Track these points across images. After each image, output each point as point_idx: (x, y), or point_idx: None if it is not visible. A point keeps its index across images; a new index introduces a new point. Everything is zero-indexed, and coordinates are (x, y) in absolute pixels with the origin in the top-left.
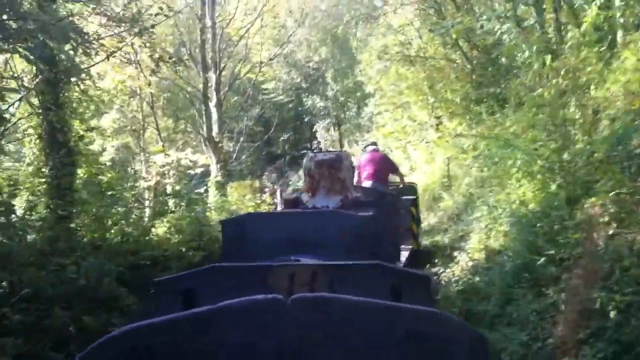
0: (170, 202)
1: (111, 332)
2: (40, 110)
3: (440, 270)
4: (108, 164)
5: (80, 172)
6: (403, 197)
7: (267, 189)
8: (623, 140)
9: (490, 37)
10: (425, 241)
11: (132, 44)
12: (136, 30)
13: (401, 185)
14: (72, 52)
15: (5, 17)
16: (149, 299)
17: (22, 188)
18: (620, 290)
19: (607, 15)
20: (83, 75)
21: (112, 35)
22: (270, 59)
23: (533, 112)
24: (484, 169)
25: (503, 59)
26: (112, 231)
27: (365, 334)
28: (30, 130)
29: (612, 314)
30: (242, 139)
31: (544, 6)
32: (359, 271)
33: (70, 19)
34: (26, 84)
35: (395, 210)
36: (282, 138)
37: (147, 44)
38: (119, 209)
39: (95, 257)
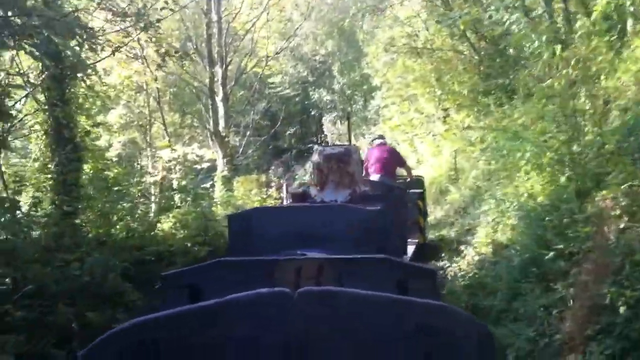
0: (177, 197)
1: (117, 327)
2: (46, 107)
3: (447, 265)
4: (114, 159)
5: (86, 167)
6: (410, 191)
7: (273, 184)
8: (634, 131)
9: (499, 27)
10: (431, 235)
11: (138, 40)
12: (142, 25)
13: (409, 179)
14: (77, 48)
15: (10, 13)
16: (155, 293)
17: (28, 184)
18: (631, 286)
19: (617, 3)
20: (89, 70)
21: (118, 30)
22: (277, 53)
23: (542, 103)
24: (492, 162)
25: (511, 50)
26: (118, 227)
27: (371, 327)
28: (37, 127)
29: (621, 309)
30: (248, 133)
31: None
32: (366, 265)
33: (76, 14)
34: (32, 80)
35: (403, 204)
36: (288, 132)
37: (153, 39)
38: (125, 204)
39: (100, 252)
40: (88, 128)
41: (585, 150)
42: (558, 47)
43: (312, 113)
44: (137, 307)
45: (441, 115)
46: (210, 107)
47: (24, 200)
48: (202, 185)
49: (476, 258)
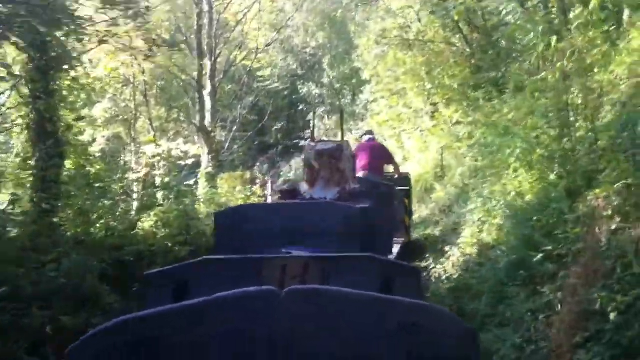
0: (159, 195)
1: (103, 325)
2: (29, 100)
3: (431, 266)
4: (98, 154)
5: (68, 163)
6: (396, 188)
7: (258, 180)
8: (628, 127)
9: (495, 17)
10: (415, 234)
11: (127, 32)
12: (130, 13)
13: (396, 176)
14: (63, 39)
15: None
16: (134, 295)
17: (7, 180)
18: (623, 290)
19: None
20: (75, 62)
21: (107, 21)
22: (267, 45)
23: (535, 97)
24: (479, 159)
25: (503, 42)
26: (97, 225)
27: (356, 325)
28: (20, 121)
29: (612, 315)
30: (234, 128)
31: None
32: (351, 263)
33: (61, 1)
34: (18, 72)
35: (390, 202)
36: (275, 127)
37: (142, 28)
38: (106, 202)
39: (78, 252)
40: (71, 122)
41: (577, 146)
42: (554, 39)
43: (300, 107)
44: (114, 311)
45: (430, 110)
46: (197, 101)
47: (4, 198)
48: (185, 182)
49: (461, 259)
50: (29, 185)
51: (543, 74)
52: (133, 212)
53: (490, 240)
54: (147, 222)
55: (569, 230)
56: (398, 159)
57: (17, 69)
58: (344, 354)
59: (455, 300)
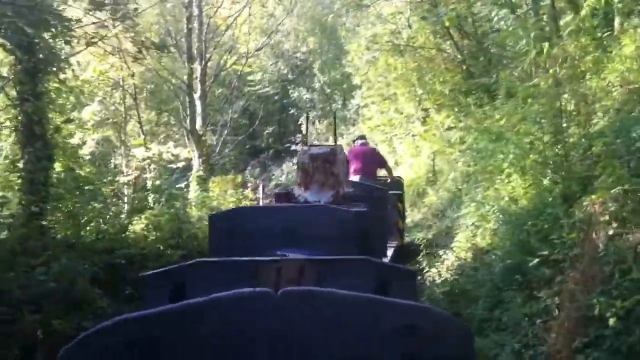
0: (150, 198)
1: (99, 325)
2: (17, 102)
3: (425, 270)
4: (87, 157)
5: (57, 166)
6: (389, 192)
7: (249, 184)
8: (622, 133)
9: (486, 24)
10: (408, 238)
11: (116, 34)
12: (118, 15)
13: (389, 180)
14: (51, 40)
15: None
16: (125, 299)
17: None
18: (621, 296)
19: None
20: (62, 64)
21: (96, 23)
22: (258, 49)
23: (528, 103)
24: (471, 164)
25: (492, 50)
26: (88, 228)
27: (351, 327)
28: (8, 123)
29: (611, 321)
30: (225, 132)
31: None
32: (346, 266)
33: (48, 2)
34: (5, 74)
35: (383, 206)
36: (266, 131)
37: (130, 30)
38: (96, 205)
39: (68, 256)
40: (59, 124)
41: (571, 152)
42: (546, 45)
43: (291, 112)
44: (106, 314)
45: (421, 116)
46: (187, 104)
47: None
48: (176, 186)
49: (456, 263)
50: (17, 187)
51: (536, 80)
52: (124, 215)
53: (484, 245)
54: (138, 225)
55: (565, 235)
56: (390, 163)
57: (4, 71)
58: (339, 356)
59: (450, 305)
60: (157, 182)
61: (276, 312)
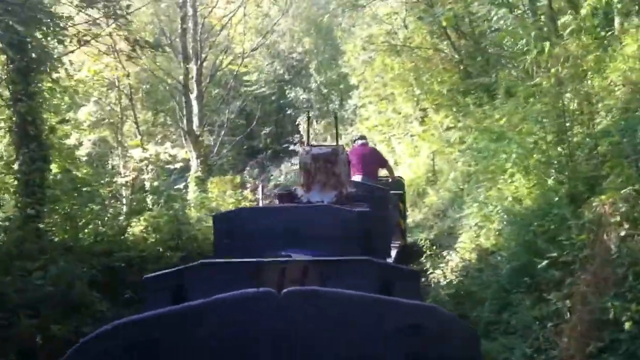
0: (148, 199)
1: (101, 328)
2: (10, 102)
3: (429, 271)
4: (84, 158)
5: (53, 167)
6: (391, 192)
7: (248, 185)
8: (627, 132)
9: (484, 23)
10: (410, 238)
11: (109, 33)
12: (111, 12)
13: (390, 180)
14: (43, 39)
15: None
16: (125, 302)
17: None
18: (636, 299)
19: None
20: (55, 63)
21: (88, 22)
22: (253, 50)
23: (530, 102)
24: (472, 164)
25: (490, 50)
26: (86, 231)
27: (356, 327)
28: (2, 124)
29: (627, 325)
30: (223, 132)
31: None
32: (349, 266)
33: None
34: None
35: (385, 205)
36: (263, 132)
37: (123, 28)
38: (94, 206)
39: (65, 259)
40: (54, 124)
41: (576, 152)
42: (547, 44)
43: (288, 112)
44: (105, 318)
45: (419, 116)
46: (184, 105)
47: None
48: (175, 187)
49: (460, 264)
50: (12, 189)
51: (537, 79)
52: (122, 217)
53: (489, 246)
54: (136, 227)
55: (574, 236)
56: (389, 163)
57: None
58: (343, 356)
59: (456, 307)
60: (156, 183)
61: (280, 312)
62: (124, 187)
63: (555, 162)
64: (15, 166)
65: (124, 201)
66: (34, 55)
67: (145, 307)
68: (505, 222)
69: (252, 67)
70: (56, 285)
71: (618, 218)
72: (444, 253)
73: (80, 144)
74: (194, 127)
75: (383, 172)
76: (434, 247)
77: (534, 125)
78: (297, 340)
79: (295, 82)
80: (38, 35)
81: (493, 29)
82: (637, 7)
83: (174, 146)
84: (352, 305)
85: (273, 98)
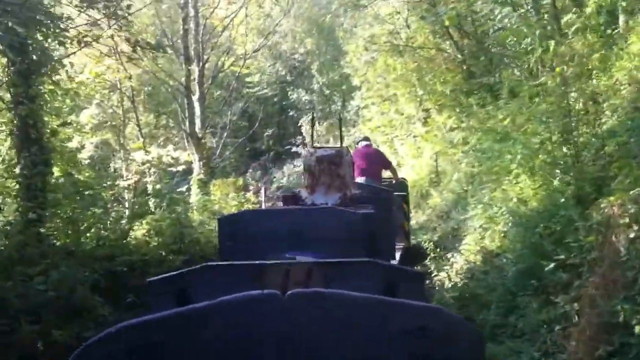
0: (151, 202)
1: (106, 330)
2: (11, 105)
3: (434, 273)
4: (86, 161)
5: (55, 170)
6: (395, 193)
7: (251, 187)
8: (635, 132)
9: (487, 22)
10: (413, 240)
11: (111, 35)
12: (111, 12)
13: (394, 181)
14: (43, 41)
15: None
16: (127, 306)
17: None
18: None
19: None
20: (56, 65)
21: (89, 23)
22: (255, 51)
23: (535, 102)
24: (476, 164)
25: (494, 49)
26: (87, 235)
27: (360, 328)
28: (3, 127)
29: (637, 328)
30: (225, 134)
31: None
32: (354, 268)
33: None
34: None
35: (389, 207)
36: (266, 133)
37: (124, 28)
38: (96, 210)
39: (67, 263)
40: (56, 127)
41: (582, 152)
42: (552, 43)
43: (291, 113)
44: (107, 322)
45: (422, 116)
46: (186, 107)
47: None
48: (177, 189)
49: (465, 266)
50: (14, 193)
51: (542, 78)
52: (124, 221)
53: (494, 248)
54: (139, 231)
55: (581, 238)
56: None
57: None
58: (348, 357)
59: (461, 310)
60: (158, 186)
61: (284, 314)
62: (126, 191)
63: (561, 162)
64: (17, 170)
65: (126, 204)
66: (34, 57)
67: (149, 310)
68: (510, 224)
69: (254, 68)
70: (58, 290)
71: (627, 219)
72: (448, 255)
73: (82, 147)
74: (196, 129)
75: (386, 174)
76: (438, 249)
77: (539, 126)
78: (301, 342)
79: (297, 83)
80: (38, 36)
81: (496, 28)
82: None
83: (176, 149)
84: (356, 307)
85: (275, 99)
